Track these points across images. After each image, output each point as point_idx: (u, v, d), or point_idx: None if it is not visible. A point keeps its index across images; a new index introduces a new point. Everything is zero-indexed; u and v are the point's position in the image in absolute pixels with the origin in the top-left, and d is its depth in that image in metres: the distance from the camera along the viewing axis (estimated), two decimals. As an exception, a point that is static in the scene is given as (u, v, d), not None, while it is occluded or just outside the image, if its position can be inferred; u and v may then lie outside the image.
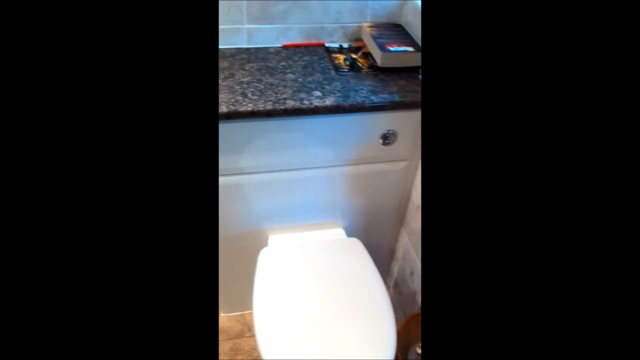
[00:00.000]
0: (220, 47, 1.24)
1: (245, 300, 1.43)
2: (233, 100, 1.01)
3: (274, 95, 1.04)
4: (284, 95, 1.04)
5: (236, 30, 1.22)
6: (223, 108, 0.98)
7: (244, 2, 1.17)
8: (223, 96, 1.02)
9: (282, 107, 1.00)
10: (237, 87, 1.06)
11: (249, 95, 1.03)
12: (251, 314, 1.49)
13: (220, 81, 1.08)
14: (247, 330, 1.44)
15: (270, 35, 1.25)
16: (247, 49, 1.24)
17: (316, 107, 1.01)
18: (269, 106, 1.00)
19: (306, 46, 1.28)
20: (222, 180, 1.11)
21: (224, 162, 1.07)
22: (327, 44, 1.29)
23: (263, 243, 1.28)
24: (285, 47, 1.27)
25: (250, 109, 0.98)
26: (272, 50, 1.25)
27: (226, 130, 1.02)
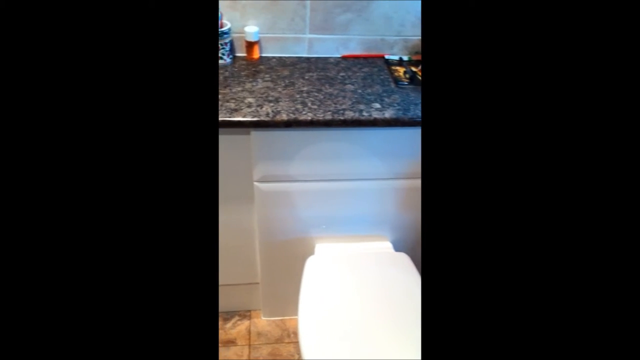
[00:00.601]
0: (281, 55, 1.26)
1: (287, 305, 1.44)
2: (293, 108, 1.02)
3: (333, 105, 1.04)
4: (343, 106, 1.04)
5: (298, 39, 1.24)
6: (283, 116, 0.99)
7: (308, 12, 1.19)
8: (283, 104, 1.03)
9: (341, 118, 1.00)
10: (297, 96, 1.07)
11: (309, 104, 1.04)
12: (291, 320, 1.50)
13: (280, 89, 1.10)
14: (286, 336, 1.44)
15: (331, 46, 1.26)
16: (307, 59, 1.26)
17: (375, 119, 1.01)
18: (328, 116, 1.00)
19: (365, 57, 1.28)
20: (273, 186, 1.12)
21: (276, 168, 1.09)
22: (387, 56, 1.28)
23: (309, 251, 1.28)
24: (344, 58, 1.28)
25: (309, 118, 0.99)
26: (332, 60, 1.26)
27: (284, 138, 1.03)
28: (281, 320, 1.48)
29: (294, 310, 1.48)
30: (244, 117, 0.98)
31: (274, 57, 1.25)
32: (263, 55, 1.26)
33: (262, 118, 0.98)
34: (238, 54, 1.25)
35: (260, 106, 1.02)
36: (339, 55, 1.28)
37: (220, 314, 1.47)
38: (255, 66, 1.20)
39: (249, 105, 1.02)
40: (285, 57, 1.26)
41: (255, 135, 1.02)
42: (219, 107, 1.01)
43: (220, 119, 0.97)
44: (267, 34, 1.22)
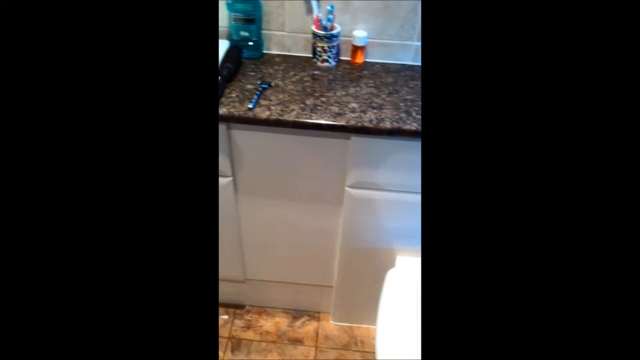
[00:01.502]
0: (385, 61, 1.24)
1: (357, 313, 1.42)
2: (397, 117, 1.00)
3: (438, 118, 1.01)
4: (449, 120, 1.00)
5: (404, 46, 1.21)
6: (387, 124, 0.97)
7: (419, 19, 1.16)
8: (387, 112, 1.02)
9: (447, 132, 0.96)
10: (402, 104, 1.05)
11: (413, 114, 1.01)
12: (360, 328, 1.48)
13: (384, 96, 1.08)
14: (353, 343, 1.43)
15: (437, 55, 1.22)
16: (412, 67, 1.23)
17: (482, 136, 0.96)
18: (433, 129, 0.97)
19: (472, 70, 1.23)
20: (363, 193, 1.11)
21: (370, 175, 1.07)
22: (495, 71, 1.22)
23: (389, 262, 1.25)
24: (449, 69, 1.23)
25: (414, 128, 0.97)
26: (437, 70, 1.22)
27: (383, 146, 1.01)
28: (349, 326, 1.47)
29: (364, 318, 1.47)
30: (347, 122, 0.98)
31: (377, 63, 1.24)
32: (367, 60, 1.25)
33: (366, 124, 0.97)
34: (342, 58, 1.25)
35: (364, 112, 1.01)
36: (444, 66, 1.24)
37: (289, 312, 1.49)
38: (359, 71, 1.20)
39: (353, 110, 1.01)
40: (389, 63, 1.24)
41: (356, 140, 1.01)
42: (324, 110, 1.01)
43: (323, 122, 0.98)
44: (375, 39, 1.21)
